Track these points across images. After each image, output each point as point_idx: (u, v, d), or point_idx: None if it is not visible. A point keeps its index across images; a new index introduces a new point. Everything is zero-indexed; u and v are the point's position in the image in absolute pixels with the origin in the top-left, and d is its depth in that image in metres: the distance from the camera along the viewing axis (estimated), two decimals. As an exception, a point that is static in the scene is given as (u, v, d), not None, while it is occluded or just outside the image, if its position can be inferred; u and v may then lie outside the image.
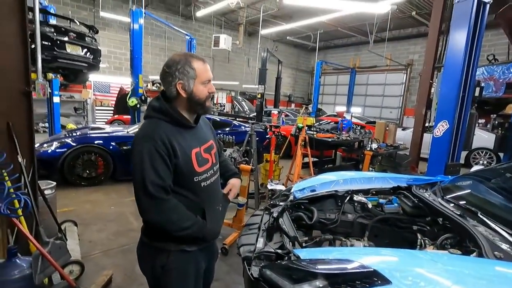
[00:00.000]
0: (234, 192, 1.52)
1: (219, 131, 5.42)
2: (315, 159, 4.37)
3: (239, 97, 13.74)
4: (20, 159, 1.95)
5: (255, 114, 10.32)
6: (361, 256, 1.23)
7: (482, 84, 3.72)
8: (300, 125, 3.76)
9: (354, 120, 9.55)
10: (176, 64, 1.19)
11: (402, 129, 9.24)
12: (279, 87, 13.05)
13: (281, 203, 2.37)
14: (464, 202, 1.84)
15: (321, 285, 1.13)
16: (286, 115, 10.50)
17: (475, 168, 2.40)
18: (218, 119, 6.06)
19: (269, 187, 3.28)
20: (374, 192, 2.43)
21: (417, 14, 10.82)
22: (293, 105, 18.38)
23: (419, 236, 1.99)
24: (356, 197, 2.33)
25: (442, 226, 1.90)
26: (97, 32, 5.89)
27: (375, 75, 15.49)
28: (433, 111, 7.16)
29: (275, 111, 4.64)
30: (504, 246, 1.35)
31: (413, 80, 14.22)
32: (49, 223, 2.52)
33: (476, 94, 2.91)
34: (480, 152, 7.19)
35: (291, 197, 2.34)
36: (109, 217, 3.50)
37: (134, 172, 1.13)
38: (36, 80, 2.32)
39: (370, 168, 5.00)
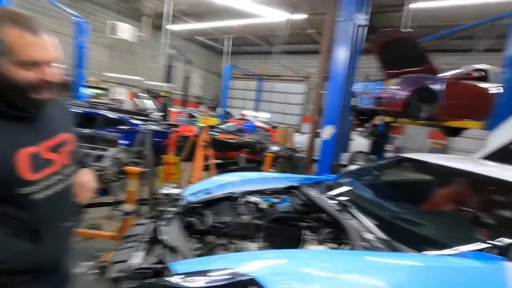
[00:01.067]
0: (85, 195, 1.15)
1: (110, 129, 4.71)
2: (218, 161, 4.27)
3: (143, 94, 12.60)
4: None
5: (160, 114, 9.61)
6: (244, 263, 1.13)
7: (360, 97, 4.40)
8: (202, 125, 3.59)
9: (261, 124, 10.03)
10: None
11: (301, 134, 10.17)
12: (188, 87, 12.61)
13: (171, 209, 2.13)
14: (342, 198, 2.01)
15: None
16: (191, 116, 10.15)
17: (352, 167, 2.70)
18: (111, 116, 5.29)
19: (164, 191, 2.96)
20: (269, 192, 2.45)
21: (314, 32, 12.20)
22: (202, 107, 18.09)
23: (303, 232, 2.09)
24: (251, 198, 2.30)
25: (325, 222, 2.03)
26: None
27: (280, 83, 16.77)
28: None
29: (174, 109, 4.35)
30: (370, 236, 1.48)
31: (311, 91, 16.01)
32: None
33: (357, 105, 3.40)
34: (359, 155, 8.56)
35: (183, 202, 2.12)
36: None
37: None
38: None
39: (272, 169, 5.23)
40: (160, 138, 4.94)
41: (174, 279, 1.05)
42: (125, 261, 1.41)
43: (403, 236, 1.43)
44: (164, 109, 9.18)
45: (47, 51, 0.85)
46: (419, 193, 2.31)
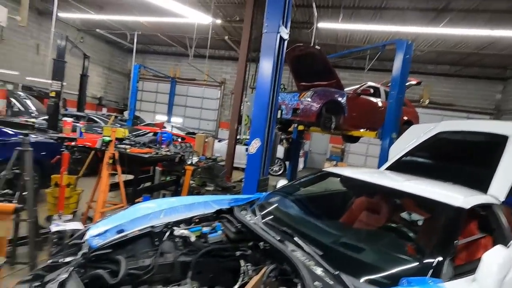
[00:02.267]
0: None
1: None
2: (130, 177, 3.63)
3: (21, 93, 10.10)
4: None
5: (46, 117, 7.82)
6: None
7: (282, 107, 4.51)
8: (107, 138, 2.94)
9: (176, 131, 9.32)
10: None
11: (218, 141, 9.96)
12: (85, 87, 10.75)
13: (67, 259, 1.58)
14: (280, 223, 1.87)
15: None
16: (91, 120, 8.71)
17: (280, 183, 2.64)
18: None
19: (54, 228, 2.28)
20: (197, 220, 2.13)
21: (229, 39, 12.23)
22: (104, 110, 15.84)
23: (242, 263, 1.87)
24: (176, 231, 1.94)
25: (263, 251, 1.86)
26: None
27: (194, 88, 16.19)
28: (243, 126, 8.17)
29: (68, 119, 3.48)
30: (319, 271, 1.37)
31: (226, 97, 16.02)
32: None
33: (278, 116, 3.42)
34: (275, 161, 8.91)
35: (85, 248, 1.60)
36: None
37: None
38: None
39: (191, 182, 4.83)
40: (47, 151, 3.92)
41: None
42: None
43: (347, 266, 1.36)
44: (53, 112, 7.51)
45: None
46: (345, 207, 2.41)
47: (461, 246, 1.67)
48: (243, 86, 7.18)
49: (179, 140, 5.97)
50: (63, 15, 11.31)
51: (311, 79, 6.03)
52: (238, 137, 7.53)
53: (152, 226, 1.89)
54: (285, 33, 3.22)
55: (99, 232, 1.73)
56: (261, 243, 1.87)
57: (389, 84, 6.34)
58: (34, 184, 2.69)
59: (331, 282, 1.29)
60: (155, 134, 5.51)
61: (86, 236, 1.69)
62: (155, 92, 16.93)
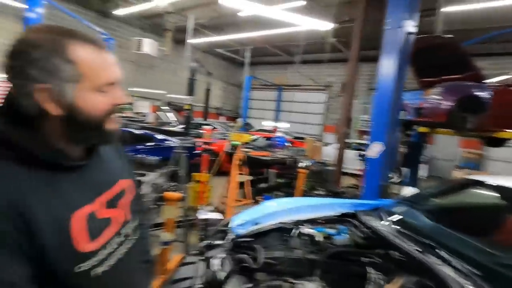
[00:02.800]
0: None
1: (137, 147, 4.61)
2: (249, 178, 4.05)
3: (164, 107, 12.72)
4: None
5: (182, 126, 9.60)
6: None
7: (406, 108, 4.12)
8: (236, 142, 3.40)
9: (286, 136, 9.76)
10: (33, 49, 0.59)
11: (324, 145, 9.83)
12: (209, 99, 12.65)
13: (217, 242, 1.92)
14: (416, 234, 1.72)
15: None
16: (214, 128, 10.06)
17: (408, 191, 2.40)
18: (137, 132, 5.22)
19: (201, 216, 2.76)
20: (321, 221, 2.20)
21: (336, 41, 11.96)
22: (222, 118, 18.10)
23: (370, 270, 1.81)
24: (303, 229, 2.06)
25: (395, 261, 1.75)
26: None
27: (300, 93, 16.53)
28: (353, 130, 7.81)
29: (207, 127, 4.18)
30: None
31: (332, 100, 15.66)
32: None
33: (401, 117, 3.14)
34: (397, 166, 8.10)
35: (231, 235, 1.91)
36: None
37: None
38: None
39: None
40: (188, 153, 4.81)
41: None
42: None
43: None
44: (187, 121, 9.16)
45: (113, 68, 0.69)
46: (500, 223, 1.99)
47: None
48: (352, 88, 6.89)
49: (290, 144, 6.23)
50: (193, 41, 13.67)
51: (436, 74, 5.22)
52: (346, 141, 7.25)
53: (281, 222, 2.07)
54: (411, 26, 2.93)
55: (240, 223, 2.02)
56: (394, 252, 1.77)
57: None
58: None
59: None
60: (268, 138, 5.93)
61: (230, 225, 2.01)
62: (263, 100, 18.18)
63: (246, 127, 13.81)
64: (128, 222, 0.81)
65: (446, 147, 12.01)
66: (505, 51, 10.52)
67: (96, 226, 0.69)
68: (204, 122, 11.11)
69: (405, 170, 7.68)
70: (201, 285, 1.44)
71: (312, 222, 2.16)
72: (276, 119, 15.80)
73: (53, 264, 0.60)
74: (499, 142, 6.31)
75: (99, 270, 0.69)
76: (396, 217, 2.01)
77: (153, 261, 1.01)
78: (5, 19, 9.90)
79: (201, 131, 9.81)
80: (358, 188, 7.37)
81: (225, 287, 1.34)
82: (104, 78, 0.65)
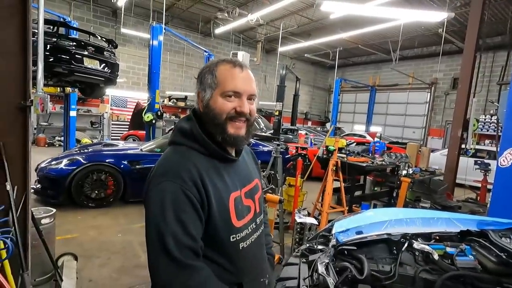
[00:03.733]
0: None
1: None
2: (346, 185, 3.89)
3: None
4: (8, 187, 1.61)
5: (271, 131, 9.99)
6: None
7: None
8: (332, 147, 3.33)
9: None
10: (203, 69, 0.92)
11: (431, 151, 8.58)
12: (297, 104, 12.73)
13: (319, 247, 1.92)
14: None
15: None
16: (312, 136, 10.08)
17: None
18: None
19: (297, 219, 2.82)
20: (437, 238, 1.94)
21: (443, 31, 10.38)
22: (309, 123, 17.95)
23: (508, 303, 1.49)
24: (416, 244, 1.85)
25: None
26: (116, 46, 5.77)
27: (397, 93, 14.94)
28: (470, 133, 6.61)
29: (302, 131, 4.22)
30: None
31: (438, 99, 13.58)
32: (45, 258, 2.16)
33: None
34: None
35: (333, 241, 1.88)
36: (114, 248, 3.11)
37: (149, 226, 0.77)
38: (35, 93, 2.03)
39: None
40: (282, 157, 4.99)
41: None
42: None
43: None
44: (277, 127, 9.47)
45: (239, 81, 0.87)
46: None
47: None
48: (470, 82, 5.83)
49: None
50: (281, 49, 14.11)
51: None
52: (462, 146, 6.15)
53: (388, 234, 1.92)
54: None
55: (342, 230, 1.97)
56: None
57: None
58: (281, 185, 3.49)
59: None
60: (363, 144, 5.57)
61: (333, 231, 1.98)
62: (354, 103, 17.19)
63: (336, 131, 13.32)
64: (259, 214, 1.00)
65: None
66: None
67: (241, 209, 0.89)
68: (292, 127, 11.24)
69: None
70: (306, 285, 1.47)
71: (424, 236, 1.93)
72: (368, 123, 14.66)
73: (216, 230, 0.81)
74: None
75: (243, 244, 0.88)
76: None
77: (273, 255, 1.13)
78: (131, 47, 12.38)
79: (290, 136, 9.98)
80: (477, 203, 6.15)
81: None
82: (230, 86, 0.85)
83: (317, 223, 2.72)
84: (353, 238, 1.91)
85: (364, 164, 3.52)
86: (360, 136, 9.40)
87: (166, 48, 11.66)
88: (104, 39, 5.68)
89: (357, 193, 4.56)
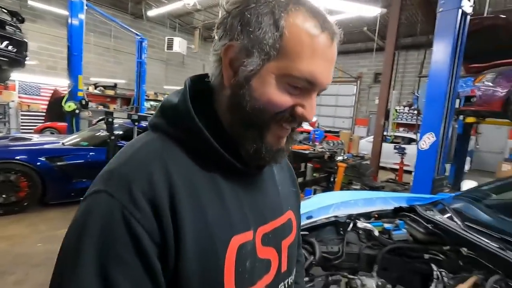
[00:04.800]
0: None
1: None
2: None
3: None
4: None
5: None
6: None
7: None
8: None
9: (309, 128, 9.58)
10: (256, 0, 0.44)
11: (360, 138, 9.52)
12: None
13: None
14: (488, 229, 1.59)
15: None
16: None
17: (467, 184, 2.25)
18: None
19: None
20: (376, 216, 2.12)
21: (368, 29, 11.49)
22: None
23: (434, 267, 1.71)
24: (359, 223, 1.99)
25: (468, 258, 1.64)
26: (22, 20, 4.80)
27: (330, 85, 16.10)
28: (390, 122, 7.49)
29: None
30: None
31: (363, 92, 15.11)
32: None
33: (456, 106, 2.93)
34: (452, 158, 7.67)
35: (286, 228, 1.89)
36: (33, 260, 2.62)
37: (55, 265, 0.41)
38: None
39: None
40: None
41: None
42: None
43: None
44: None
45: (331, 71, 0.50)
46: None
47: None
48: (390, 77, 6.58)
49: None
50: (220, 37, 13.81)
51: (486, 59, 4.83)
52: (385, 133, 6.97)
53: (336, 216, 2.02)
54: (468, 6, 2.70)
55: (294, 216, 2.00)
56: (463, 249, 1.66)
57: None
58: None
59: None
60: (305, 132, 5.84)
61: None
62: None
63: None
64: (286, 275, 0.57)
65: (491, 138, 11.14)
66: None
67: (251, 267, 0.48)
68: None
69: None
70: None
71: (366, 216, 2.09)
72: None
73: None
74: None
75: None
76: (460, 211, 1.88)
77: None
78: (43, 24, 10.56)
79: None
80: (396, 183, 7.10)
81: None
82: (307, 70, 0.44)
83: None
84: (304, 224, 1.96)
85: (307, 152, 3.66)
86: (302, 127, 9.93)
87: (89, 29, 10.22)
88: (6, 11, 4.67)
89: (299, 179, 4.77)
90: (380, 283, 1.66)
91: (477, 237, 1.52)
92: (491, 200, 2.17)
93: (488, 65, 4.74)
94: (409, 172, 9.18)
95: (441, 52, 2.72)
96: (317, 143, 4.37)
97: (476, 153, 11.32)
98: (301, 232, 1.90)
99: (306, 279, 1.65)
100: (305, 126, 10.69)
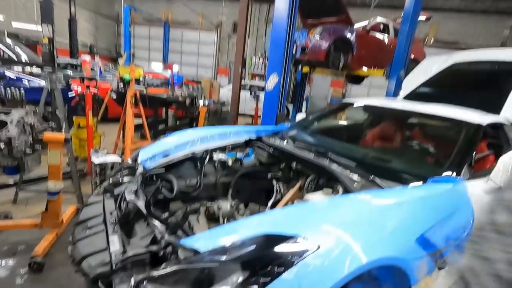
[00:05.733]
0: None
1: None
2: (140, 123, 3.71)
3: (8, 40, 9.55)
4: None
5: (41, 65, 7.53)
6: (280, 224, 1.01)
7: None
8: (127, 76, 2.96)
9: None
10: None
11: (221, 87, 9.83)
12: (75, 33, 10.14)
13: (125, 179, 1.77)
14: (310, 146, 2.04)
15: (240, 280, 0.83)
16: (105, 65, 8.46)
17: (299, 116, 2.78)
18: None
19: (95, 160, 2.45)
20: (230, 148, 2.30)
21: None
22: (97, 58, 15.16)
23: (274, 183, 2.09)
24: (215, 156, 2.12)
25: (295, 171, 2.06)
26: None
27: (190, 32, 15.34)
28: (247, 70, 8.04)
29: (86, 58, 3.36)
30: (355, 177, 1.57)
31: (223, 41, 15.31)
32: None
33: (295, 53, 3.41)
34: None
35: (140, 169, 1.78)
36: None
37: None
38: None
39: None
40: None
41: (206, 257, 0.87)
42: (102, 250, 1.11)
43: (379, 173, 1.55)
44: (50, 59, 7.22)
45: None
46: (367, 132, 2.58)
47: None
48: (246, 26, 6.87)
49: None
50: None
51: (318, 16, 5.77)
52: (242, 83, 7.46)
53: (193, 152, 2.06)
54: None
55: (149, 156, 1.89)
56: (293, 164, 2.08)
57: (398, 20, 6.12)
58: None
59: (367, 184, 1.49)
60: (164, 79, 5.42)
61: (139, 160, 1.86)
62: (148, 38, 16.06)
63: (132, 58, 12.12)
64: None
65: (320, 87, 14.05)
66: (363, 2, 12.39)
67: None
68: (72, 62, 8.98)
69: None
70: (115, 218, 1.33)
71: (222, 149, 2.24)
72: (165, 61, 14.45)
73: None
74: (359, 80, 7.85)
75: None
76: (293, 136, 2.30)
77: None
78: None
79: (69, 73, 7.97)
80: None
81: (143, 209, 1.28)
82: None
83: (120, 161, 2.47)
84: (161, 163, 1.90)
85: (165, 95, 3.45)
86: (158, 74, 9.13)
87: None
88: None
89: (161, 126, 4.55)
90: (233, 204, 1.88)
91: (301, 153, 1.92)
92: (316, 125, 2.77)
93: (319, 21, 5.68)
94: (263, 117, 10.54)
95: (282, 4, 3.02)
96: (176, 87, 4.17)
97: (310, 99, 14.15)
98: (158, 170, 1.85)
99: (166, 214, 1.66)
100: (163, 72, 10.00)
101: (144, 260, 1.03)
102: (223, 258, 0.88)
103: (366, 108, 2.59)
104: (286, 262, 0.84)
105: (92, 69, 5.10)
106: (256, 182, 2.18)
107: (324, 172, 1.70)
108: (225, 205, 1.85)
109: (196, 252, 0.92)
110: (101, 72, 3.46)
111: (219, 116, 5.87)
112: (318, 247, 0.87)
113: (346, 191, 1.46)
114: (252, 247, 0.90)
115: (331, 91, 14.26)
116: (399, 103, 2.32)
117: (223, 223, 1.78)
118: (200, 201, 1.97)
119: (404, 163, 1.72)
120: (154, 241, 1.13)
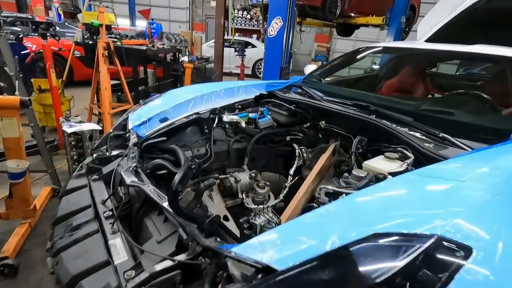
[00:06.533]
0: None
1: None
2: (115, 83, 3.12)
3: None
4: None
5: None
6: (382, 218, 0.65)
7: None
8: (96, 22, 2.31)
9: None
10: None
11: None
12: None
13: (114, 152, 1.33)
14: (342, 99, 1.66)
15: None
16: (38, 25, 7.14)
17: (309, 68, 2.36)
18: None
19: (67, 129, 1.93)
20: (240, 107, 1.87)
21: None
22: (51, 14, 13.21)
23: (295, 146, 1.74)
24: (225, 117, 1.69)
25: (325, 130, 1.70)
26: None
27: (158, -20, 13.56)
28: (230, 21, 7.23)
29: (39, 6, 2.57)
30: (418, 135, 1.23)
31: (197, -8, 13.78)
32: None
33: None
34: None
35: (134, 138, 1.34)
36: None
37: None
38: None
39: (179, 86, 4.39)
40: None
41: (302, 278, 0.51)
42: (101, 265, 0.72)
43: (446, 129, 1.22)
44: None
45: None
46: (401, 82, 2.22)
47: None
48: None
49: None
50: None
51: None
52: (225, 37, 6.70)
53: (197, 113, 1.62)
54: None
55: (142, 121, 1.44)
56: (322, 122, 1.71)
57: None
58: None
59: (437, 143, 1.16)
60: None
61: (130, 126, 1.41)
62: (109, -11, 14.06)
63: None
64: None
65: (304, 43, 13.31)
66: None
67: None
68: (22, 16, 7.58)
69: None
70: (111, 210, 0.93)
71: (230, 109, 1.81)
72: (132, 16, 12.86)
73: None
74: (350, 31, 7.31)
75: None
76: (314, 89, 1.90)
77: None
78: None
79: (19, 31, 6.74)
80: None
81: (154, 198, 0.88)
82: None
83: (100, 128, 1.98)
84: (158, 128, 1.44)
85: (144, 47, 2.85)
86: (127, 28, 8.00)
87: None
88: None
89: (141, 88, 3.95)
90: (253, 174, 1.52)
91: (337, 108, 1.54)
92: (335, 78, 2.38)
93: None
94: (249, 75, 9.85)
95: None
96: (155, 39, 3.52)
97: (294, 56, 13.44)
98: (158, 138, 1.41)
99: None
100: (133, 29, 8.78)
101: (175, 279, 0.66)
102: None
103: (400, 51, 2.19)
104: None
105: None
106: (272, 147, 1.82)
107: (371, 130, 1.35)
108: (244, 177, 1.49)
109: (269, 269, 0.55)
110: (59, 16, 2.74)
111: (203, 74, 5.27)
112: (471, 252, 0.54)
113: (417, 154, 1.12)
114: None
115: (315, 47, 13.63)
116: (439, 46, 1.94)
117: (243, 199, 1.43)
118: (210, 173, 1.59)
119: (471, 114, 1.38)
120: (180, 245, 0.76)
